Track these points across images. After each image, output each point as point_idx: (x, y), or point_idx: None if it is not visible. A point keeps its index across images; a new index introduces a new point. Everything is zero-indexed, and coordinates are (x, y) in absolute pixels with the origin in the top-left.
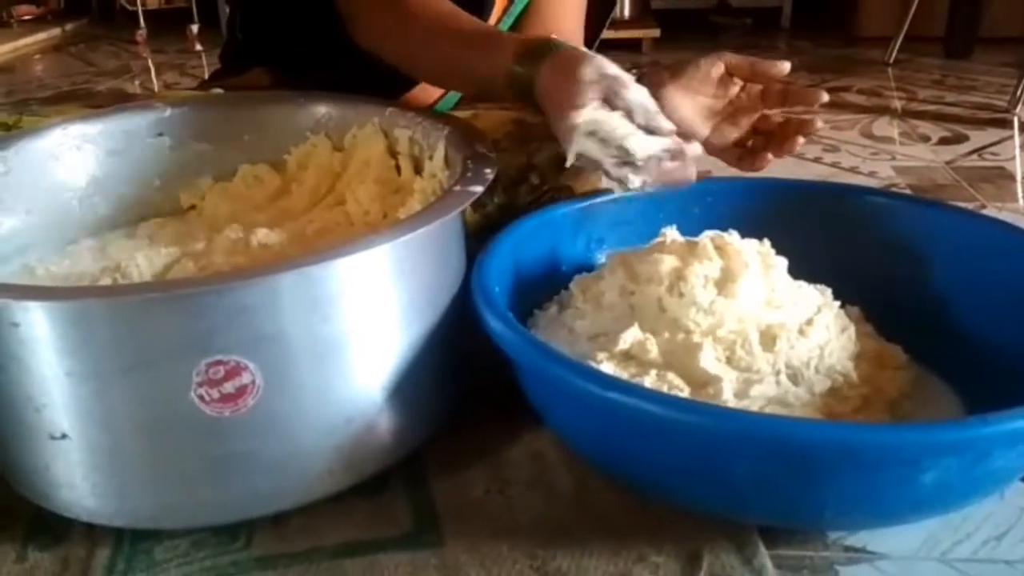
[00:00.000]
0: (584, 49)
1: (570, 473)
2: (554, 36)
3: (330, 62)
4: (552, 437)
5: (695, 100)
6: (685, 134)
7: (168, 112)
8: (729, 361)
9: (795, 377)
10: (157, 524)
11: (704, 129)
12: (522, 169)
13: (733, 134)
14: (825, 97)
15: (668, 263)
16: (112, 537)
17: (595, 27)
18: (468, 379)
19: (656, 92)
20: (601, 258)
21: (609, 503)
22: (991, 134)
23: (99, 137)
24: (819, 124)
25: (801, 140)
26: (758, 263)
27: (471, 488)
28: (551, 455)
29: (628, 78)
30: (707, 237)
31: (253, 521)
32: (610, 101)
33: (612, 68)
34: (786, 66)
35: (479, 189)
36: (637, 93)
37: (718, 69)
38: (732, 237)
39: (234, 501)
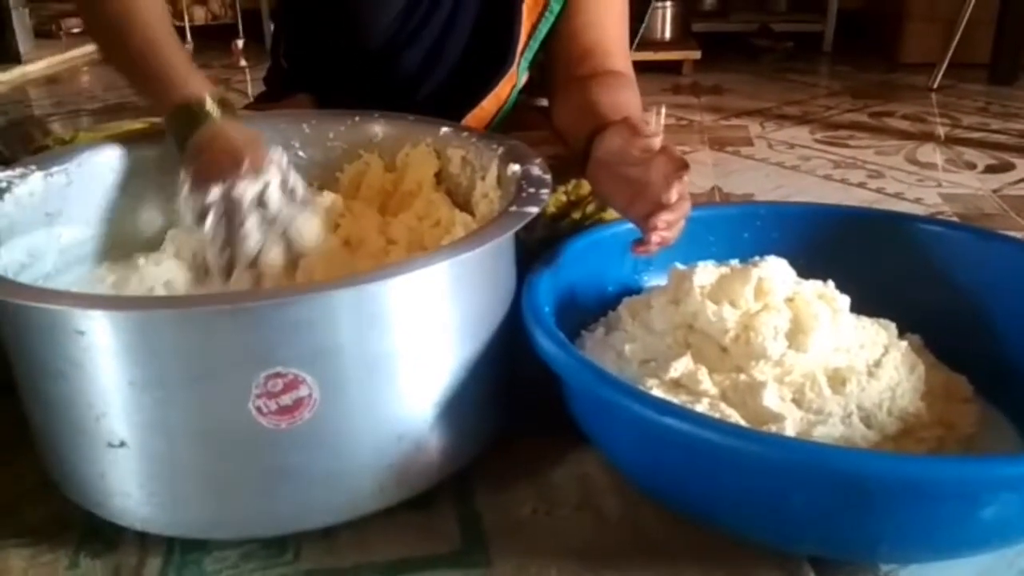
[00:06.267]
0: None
1: (618, 497)
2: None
3: (374, 93)
4: (599, 459)
5: (616, 175)
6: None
7: None
8: (797, 403)
9: (867, 420)
10: (209, 534)
11: (620, 203)
12: (563, 207)
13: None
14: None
15: (735, 315)
16: (163, 547)
17: (634, 24)
18: (515, 398)
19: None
20: (648, 280)
21: (658, 529)
22: None
23: (158, 151)
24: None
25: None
26: (827, 311)
27: (518, 508)
28: (598, 477)
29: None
30: (767, 278)
31: (302, 534)
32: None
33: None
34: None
35: (534, 210)
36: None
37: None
38: (802, 287)
39: (285, 513)
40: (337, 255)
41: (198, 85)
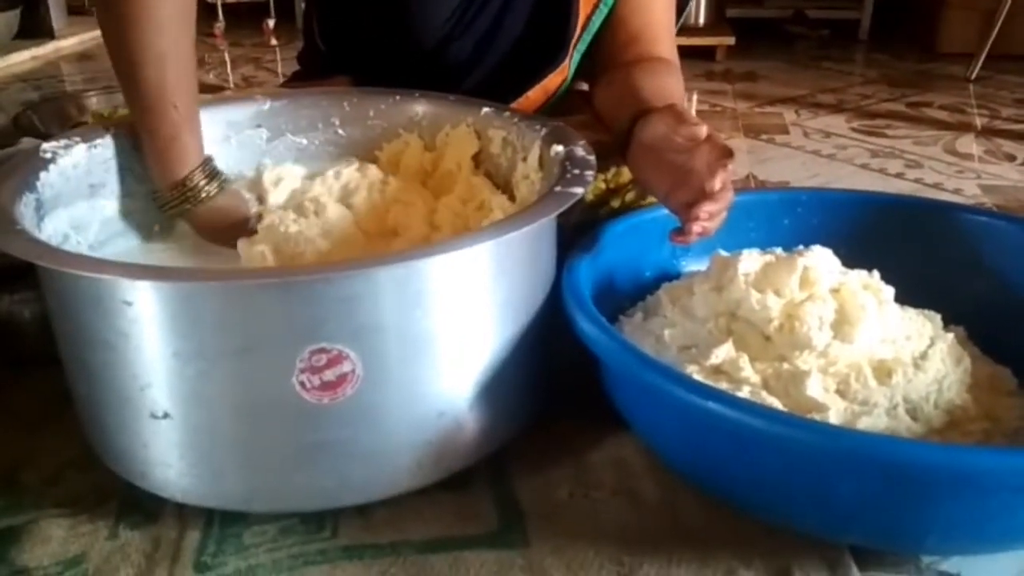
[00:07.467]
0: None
1: (655, 481)
2: None
3: (418, 81)
4: (636, 443)
5: (659, 161)
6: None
7: (268, 105)
8: (841, 393)
9: (913, 412)
10: (248, 507)
11: (661, 190)
12: (602, 194)
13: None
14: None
15: (779, 304)
16: (202, 520)
17: (681, 3)
18: (553, 379)
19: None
20: (686, 266)
21: (696, 514)
22: None
23: (202, 127)
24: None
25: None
26: (873, 302)
27: (555, 490)
28: (635, 461)
29: None
30: (813, 267)
31: (339, 511)
32: None
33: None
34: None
35: (580, 191)
36: None
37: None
38: (847, 277)
39: (324, 489)
40: (354, 242)
41: (193, 157)
